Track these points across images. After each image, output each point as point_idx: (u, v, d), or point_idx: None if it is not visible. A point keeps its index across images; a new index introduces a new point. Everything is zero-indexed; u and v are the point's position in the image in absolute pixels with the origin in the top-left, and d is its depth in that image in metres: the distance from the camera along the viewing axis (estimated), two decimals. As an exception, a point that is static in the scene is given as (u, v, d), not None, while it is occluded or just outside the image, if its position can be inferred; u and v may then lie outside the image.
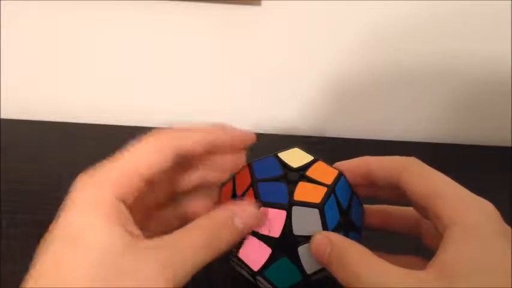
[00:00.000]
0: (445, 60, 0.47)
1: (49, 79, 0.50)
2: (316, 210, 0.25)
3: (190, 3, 0.44)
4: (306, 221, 0.25)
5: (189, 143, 0.25)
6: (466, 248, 0.21)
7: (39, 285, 0.21)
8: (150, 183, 0.24)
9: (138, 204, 0.24)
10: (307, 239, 0.25)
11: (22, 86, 0.50)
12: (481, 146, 0.49)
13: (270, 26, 0.45)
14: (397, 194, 0.26)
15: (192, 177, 0.28)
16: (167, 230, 0.25)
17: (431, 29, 0.45)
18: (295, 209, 0.25)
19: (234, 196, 0.28)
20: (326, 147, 0.48)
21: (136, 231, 0.22)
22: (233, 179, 0.29)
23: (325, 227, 0.25)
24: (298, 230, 0.25)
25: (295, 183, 0.27)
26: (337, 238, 0.24)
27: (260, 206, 0.25)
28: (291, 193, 0.26)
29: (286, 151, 0.29)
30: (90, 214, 0.22)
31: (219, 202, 0.29)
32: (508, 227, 0.22)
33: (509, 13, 0.44)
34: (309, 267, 0.26)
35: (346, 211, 0.27)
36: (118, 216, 0.22)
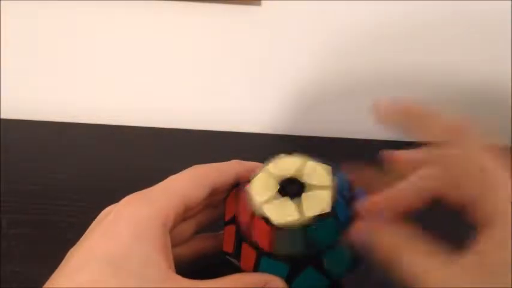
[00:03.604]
0: (444, 60, 0.47)
1: (49, 79, 0.50)
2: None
3: (190, 3, 0.44)
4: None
5: (222, 178, 0.28)
6: (504, 248, 0.21)
7: None
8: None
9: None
10: (329, 247, 0.26)
11: (22, 86, 0.50)
12: (481, 146, 0.49)
13: (270, 26, 0.45)
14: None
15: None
16: (182, 239, 0.28)
17: (432, 30, 0.45)
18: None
19: (235, 221, 0.28)
20: (328, 147, 0.48)
21: (172, 262, 0.23)
22: (235, 200, 0.29)
23: (342, 228, 0.25)
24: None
25: (298, 196, 0.26)
26: (379, 227, 0.24)
27: (274, 229, 0.25)
28: (300, 208, 0.26)
29: (274, 161, 0.29)
30: (134, 239, 0.22)
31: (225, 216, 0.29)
32: None
33: (509, 13, 0.44)
34: (335, 272, 0.26)
35: (350, 199, 0.27)
36: (164, 247, 0.23)
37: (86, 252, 0.22)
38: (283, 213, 0.25)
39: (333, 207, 0.25)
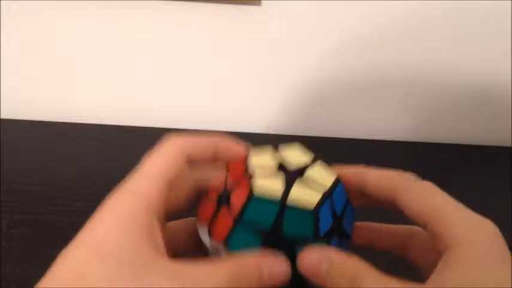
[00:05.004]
0: (445, 60, 0.47)
1: (49, 79, 0.50)
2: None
3: (190, 3, 0.44)
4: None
5: (199, 152, 0.27)
6: (467, 271, 0.21)
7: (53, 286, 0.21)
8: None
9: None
10: (296, 239, 0.25)
11: (22, 86, 0.50)
12: (481, 146, 0.49)
13: (270, 26, 0.45)
14: (391, 207, 0.26)
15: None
16: (184, 199, 0.28)
17: (432, 29, 0.45)
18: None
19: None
20: (328, 147, 0.48)
21: (161, 248, 0.23)
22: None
23: (316, 232, 0.25)
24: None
25: (291, 182, 0.26)
26: (335, 254, 0.24)
27: (252, 199, 0.25)
28: (286, 191, 0.26)
29: (287, 146, 0.29)
30: (116, 227, 0.23)
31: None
32: (508, 251, 0.23)
33: (509, 13, 0.44)
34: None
35: (340, 218, 0.27)
36: (145, 231, 0.23)
37: (75, 241, 0.23)
38: (269, 184, 0.25)
39: (316, 210, 0.25)
